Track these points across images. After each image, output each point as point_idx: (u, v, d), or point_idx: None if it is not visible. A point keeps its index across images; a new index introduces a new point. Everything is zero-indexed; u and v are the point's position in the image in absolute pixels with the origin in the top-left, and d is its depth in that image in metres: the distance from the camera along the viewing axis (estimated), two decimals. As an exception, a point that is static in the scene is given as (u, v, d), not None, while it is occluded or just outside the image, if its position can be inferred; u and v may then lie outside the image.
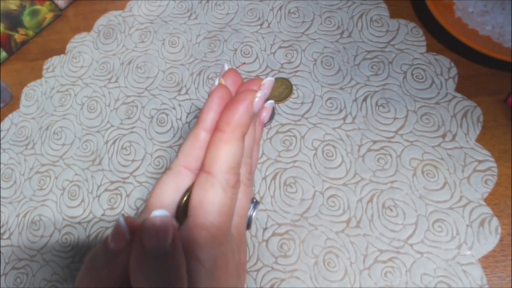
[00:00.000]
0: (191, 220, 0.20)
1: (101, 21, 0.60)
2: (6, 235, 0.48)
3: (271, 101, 0.25)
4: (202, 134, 0.21)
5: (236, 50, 0.52)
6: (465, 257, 0.37)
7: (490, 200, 0.39)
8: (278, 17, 0.53)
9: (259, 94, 0.21)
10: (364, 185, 0.41)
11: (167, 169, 0.22)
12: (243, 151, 0.21)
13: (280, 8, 0.54)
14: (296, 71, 0.49)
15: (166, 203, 0.21)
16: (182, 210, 0.21)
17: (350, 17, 0.51)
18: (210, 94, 0.21)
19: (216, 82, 0.22)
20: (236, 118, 0.20)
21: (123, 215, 0.19)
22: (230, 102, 0.21)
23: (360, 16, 0.51)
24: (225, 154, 0.20)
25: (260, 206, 0.42)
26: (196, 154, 0.21)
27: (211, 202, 0.20)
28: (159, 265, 0.18)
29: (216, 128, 0.21)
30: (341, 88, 0.47)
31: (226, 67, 0.24)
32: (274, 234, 0.41)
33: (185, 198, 0.21)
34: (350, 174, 0.42)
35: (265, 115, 0.25)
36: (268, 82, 0.22)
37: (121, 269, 0.19)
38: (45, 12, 0.61)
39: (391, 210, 0.40)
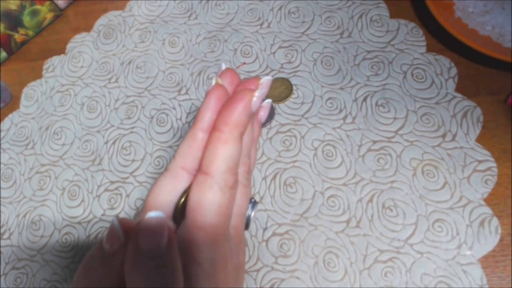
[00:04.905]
0: (189, 221, 0.20)
1: (101, 21, 0.60)
2: (6, 235, 0.48)
3: (268, 100, 0.25)
4: (199, 134, 0.21)
5: (236, 50, 0.52)
6: (465, 257, 0.37)
7: (490, 200, 0.39)
8: (278, 17, 0.53)
9: (257, 94, 0.21)
10: (364, 185, 0.41)
11: (165, 170, 0.22)
12: (241, 151, 0.21)
13: (280, 8, 0.54)
14: (296, 71, 0.49)
15: (163, 204, 0.21)
16: (180, 211, 0.21)
17: (350, 17, 0.51)
18: (207, 94, 0.21)
19: (213, 82, 0.22)
20: (234, 118, 0.20)
21: (117, 216, 0.19)
22: (228, 102, 0.21)
23: (360, 16, 0.51)
24: (223, 154, 0.20)
25: (260, 206, 0.42)
26: (193, 154, 0.21)
27: (209, 202, 0.20)
28: (154, 266, 0.18)
29: (213, 128, 0.21)
30: (341, 88, 0.47)
31: (224, 67, 0.24)
32: (274, 234, 0.41)
33: (182, 199, 0.21)
34: (350, 174, 0.42)
35: (263, 114, 0.25)
36: (265, 81, 0.22)
37: (117, 270, 0.19)
38: (45, 12, 0.61)
39: (391, 210, 0.40)
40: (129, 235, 0.19)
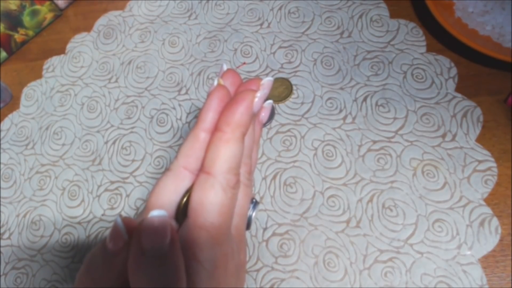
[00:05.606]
0: (191, 220, 0.20)
1: (101, 21, 0.60)
2: (6, 235, 0.48)
3: (270, 101, 0.25)
4: (201, 135, 0.21)
5: (236, 50, 0.52)
6: (465, 257, 0.37)
7: (490, 200, 0.39)
8: (278, 17, 0.53)
9: (258, 94, 0.21)
10: (364, 185, 0.41)
11: (167, 169, 0.22)
12: (243, 151, 0.21)
13: (280, 8, 0.54)
14: (296, 71, 0.49)
15: (165, 203, 0.21)
16: (182, 211, 0.21)
17: (350, 17, 0.51)
18: (209, 95, 0.21)
19: (215, 83, 0.22)
20: (236, 118, 0.20)
21: (120, 215, 0.19)
22: (230, 102, 0.21)
23: (360, 16, 0.51)
24: (225, 154, 0.20)
25: (260, 206, 0.42)
26: (195, 154, 0.21)
27: (211, 202, 0.20)
28: (157, 265, 0.18)
29: (215, 129, 0.21)
30: (341, 88, 0.47)
31: (225, 67, 0.24)
32: (274, 234, 0.41)
33: (185, 199, 0.21)
34: (350, 174, 0.42)
35: (264, 115, 0.25)
36: (267, 82, 0.22)
37: (120, 269, 0.19)
38: (45, 12, 0.61)
39: (391, 210, 0.40)
40: (132, 234, 0.19)
